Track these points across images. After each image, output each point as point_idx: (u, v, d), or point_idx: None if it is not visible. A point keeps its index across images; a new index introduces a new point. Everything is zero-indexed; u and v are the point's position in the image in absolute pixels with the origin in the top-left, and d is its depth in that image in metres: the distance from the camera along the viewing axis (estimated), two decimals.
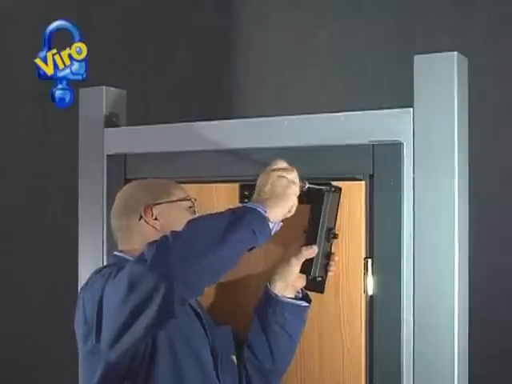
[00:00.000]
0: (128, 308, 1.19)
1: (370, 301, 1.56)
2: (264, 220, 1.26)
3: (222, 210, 1.46)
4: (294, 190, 1.34)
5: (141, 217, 1.49)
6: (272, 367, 1.54)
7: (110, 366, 1.30)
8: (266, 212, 1.27)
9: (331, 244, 1.55)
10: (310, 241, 1.53)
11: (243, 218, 1.23)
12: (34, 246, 3.26)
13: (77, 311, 1.40)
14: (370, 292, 1.55)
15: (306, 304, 1.55)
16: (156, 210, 1.50)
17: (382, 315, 1.54)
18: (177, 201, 1.53)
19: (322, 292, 1.56)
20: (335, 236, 1.55)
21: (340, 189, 1.55)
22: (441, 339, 1.48)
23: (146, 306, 1.17)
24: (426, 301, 1.50)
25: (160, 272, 1.15)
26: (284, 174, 1.34)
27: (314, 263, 1.52)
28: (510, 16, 2.26)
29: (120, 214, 1.53)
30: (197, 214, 1.53)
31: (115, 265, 1.39)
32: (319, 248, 1.52)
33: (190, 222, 1.25)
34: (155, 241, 1.22)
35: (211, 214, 1.28)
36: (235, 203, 1.66)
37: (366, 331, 1.56)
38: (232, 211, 1.26)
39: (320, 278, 1.54)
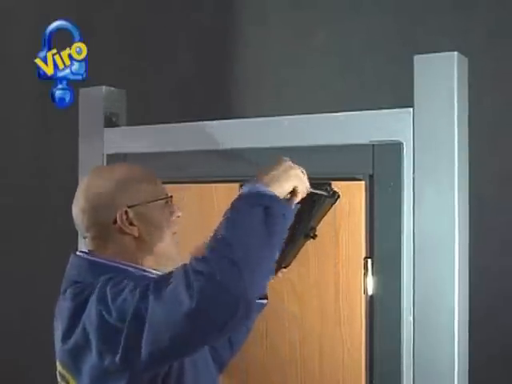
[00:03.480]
0: (194, 325, 1.13)
1: (370, 301, 1.56)
2: (283, 202, 1.28)
3: (222, 210, 1.48)
4: (298, 174, 1.34)
5: (115, 221, 1.36)
6: (228, 357, 1.57)
7: (135, 380, 1.22)
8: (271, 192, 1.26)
9: (306, 241, 1.57)
10: (290, 232, 1.54)
11: (272, 209, 1.23)
12: (34, 246, 3.25)
13: (76, 326, 1.26)
14: (370, 292, 1.56)
15: (266, 301, 1.58)
16: (131, 213, 1.36)
17: (382, 315, 1.54)
18: (154, 201, 1.40)
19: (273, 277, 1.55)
20: (314, 236, 1.56)
21: (338, 196, 1.56)
22: (441, 339, 1.48)
23: (221, 320, 1.13)
24: (426, 301, 1.50)
25: (236, 285, 1.13)
26: (293, 164, 1.35)
27: (287, 253, 1.55)
28: (510, 16, 2.26)
29: (91, 213, 1.37)
30: (175, 209, 1.44)
31: (117, 275, 1.29)
32: (295, 242, 1.56)
33: (224, 230, 1.20)
34: (203, 256, 1.16)
35: (236, 215, 1.23)
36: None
37: (366, 331, 1.56)
38: (250, 204, 1.23)
39: (285, 268, 1.59)
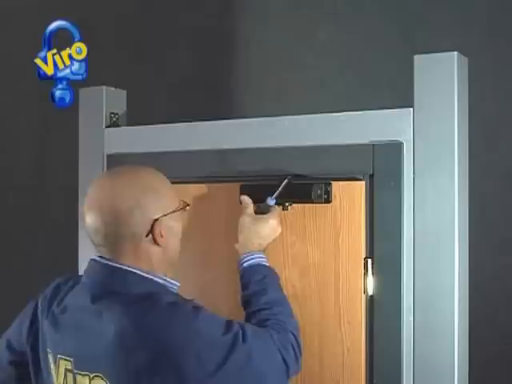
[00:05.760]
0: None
1: (370, 301, 1.56)
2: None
3: (222, 210, 1.57)
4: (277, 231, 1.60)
5: (148, 233, 1.32)
6: None
7: None
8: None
9: (273, 206, 1.60)
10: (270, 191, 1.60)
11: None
12: (34, 246, 3.26)
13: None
14: (370, 292, 1.55)
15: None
16: (161, 224, 1.34)
17: (381, 315, 1.54)
18: (178, 210, 1.39)
19: None
20: (284, 208, 1.62)
21: (329, 202, 1.59)
22: (441, 339, 1.48)
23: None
24: (426, 301, 1.50)
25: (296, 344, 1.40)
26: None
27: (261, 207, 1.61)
28: (510, 16, 2.26)
29: (120, 225, 1.31)
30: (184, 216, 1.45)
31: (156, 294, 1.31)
32: (267, 202, 1.60)
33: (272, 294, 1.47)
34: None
35: (274, 295, 1.48)
36: (235, 203, 1.67)
37: (366, 331, 1.56)
38: (266, 286, 1.48)
39: None
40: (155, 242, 1.34)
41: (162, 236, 1.34)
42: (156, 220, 1.33)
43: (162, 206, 1.35)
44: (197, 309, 1.29)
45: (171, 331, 1.24)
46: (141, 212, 1.31)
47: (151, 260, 1.35)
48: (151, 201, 1.33)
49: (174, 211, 1.37)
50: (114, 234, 1.32)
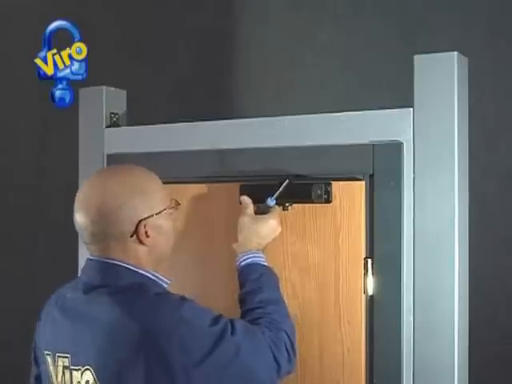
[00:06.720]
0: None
1: (370, 301, 1.56)
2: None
3: (222, 210, 1.59)
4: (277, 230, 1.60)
5: (133, 234, 1.34)
6: None
7: None
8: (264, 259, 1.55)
9: (273, 206, 1.60)
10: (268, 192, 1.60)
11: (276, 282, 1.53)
12: (33, 246, 3.26)
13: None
14: (370, 292, 1.56)
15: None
16: (148, 225, 1.35)
17: (381, 315, 1.54)
18: (166, 209, 1.39)
19: None
20: (285, 208, 1.62)
21: (329, 202, 1.60)
22: (441, 339, 1.48)
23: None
24: (426, 301, 1.50)
25: (292, 348, 1.40)
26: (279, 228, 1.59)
27: (262, 208, 1.61)
28: (510, 16, 2.26)
29: (106, 225, 1.33)
30: (178, 216, 1.48)
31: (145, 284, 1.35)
32: (267, 203, 1.59)
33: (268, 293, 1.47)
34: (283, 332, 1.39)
35: (271, 295, 1.48)
36: (235, 203, 1.67)
37: (366, 331, 1.56)
38: (262, 286, 1.48)
39: None
40: (140, 241, 1.35)
41: (147, 236, 1.35)
42: (141, 220, 1.34)
43: (149, 206, 1.36)
44: (185, 299, 1.31)
45: (157, 319, 1.25)
46: (127, 212, 1.33)
47: (139, 258, 1.37)
48: (138, 201, 1.35)
49: (161, 211, 1.37)
50: (103, 233, 1.34)
